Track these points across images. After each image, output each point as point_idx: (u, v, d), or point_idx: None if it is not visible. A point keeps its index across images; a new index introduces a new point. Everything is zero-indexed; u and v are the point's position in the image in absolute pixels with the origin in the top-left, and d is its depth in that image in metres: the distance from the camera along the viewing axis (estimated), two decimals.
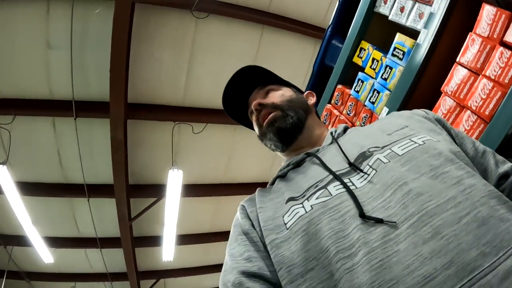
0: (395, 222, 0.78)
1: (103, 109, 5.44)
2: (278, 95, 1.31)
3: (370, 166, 0.94)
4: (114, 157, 5.83)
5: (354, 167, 0.97)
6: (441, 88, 1.61)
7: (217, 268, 10.21)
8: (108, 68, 4.81)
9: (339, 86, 2.27)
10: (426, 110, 1.18)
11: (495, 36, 1.42)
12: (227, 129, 6.86)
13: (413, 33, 1.82)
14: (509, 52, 1.35)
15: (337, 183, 0.94)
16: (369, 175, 0.92)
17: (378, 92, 1.96)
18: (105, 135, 5.69)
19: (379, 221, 0.80)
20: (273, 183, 1.20)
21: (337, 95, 2.27)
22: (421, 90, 1.77)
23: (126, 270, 8.58)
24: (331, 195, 0.91)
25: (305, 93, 1.46)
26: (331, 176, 0.98)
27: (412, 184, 0.83)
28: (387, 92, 1.91)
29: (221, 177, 7.74)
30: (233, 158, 7.34)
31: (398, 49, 1.86)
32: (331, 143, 1.15)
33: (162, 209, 7.02)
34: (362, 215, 0.82)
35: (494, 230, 0.72)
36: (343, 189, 0.91)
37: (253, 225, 1.05)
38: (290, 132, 1.24)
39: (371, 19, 2.13)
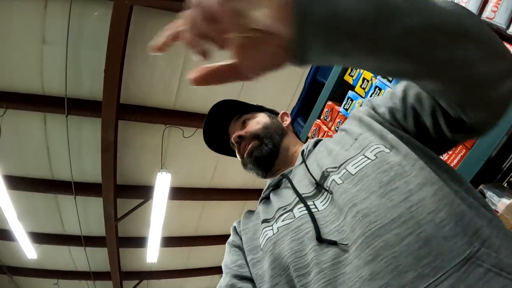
0: (346, 245, 0.83)
1: (95, 108, 5.46)
2: (254, 124, 1.39)
3: (327, 189, 0.98)
4: (103, 157, 5.83)
5: (320, 188, 1.01)
6: None
7: (200, 272, 10.25)
8: (102, 68, 4.84)
9: (329, 103, 2.31)
10: (367, 101, 1.18)
11: None
12: None
13: None
14: None
15: (301, 205, 0.99)
16: (328, 197, 0.96)
17: None
18: (95, 134, 5.72)
19: (333, 243, 0.85)
20: (260, 203, 1.27)
21: (327, 111, 2.31)
22: None
23: (109, 270, 8.55)
24: (295, 217, 0.97)
25: (280, 113, 1.53)
26: (297, 199, 1.03)
27: (361, 205, 0.85)
28: None
29: (208, 182, 7.76)
30: (221, 164, 7.35)
31: None
32: (300, 163, 1.19)
33: (148, 211, 7.03)
34: (319, 238, 0.87)
35: (436, 250, 0.73)
36: (306, 212, 0.96)
37: (241, 240, 1.16)
38: (267, 159, 1.32)
39: None
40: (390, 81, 1.88)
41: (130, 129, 6.13)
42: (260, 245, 1.03)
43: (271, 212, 1.10)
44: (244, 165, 1.39)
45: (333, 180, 0.97)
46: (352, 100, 2.13)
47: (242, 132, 1.37)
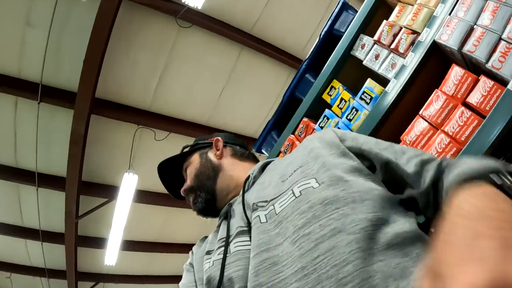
0: None
1: (69, 99, 5.36)
2: (189, 174, 1.43)
3: (252, 222, 0.99)
4: (71, 150, 5.72)
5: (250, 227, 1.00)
6: (401, 137, 1.67)
7: (159, 279, 10.07)
8: (82, 58, 4.78)
9: (305, 119, 2.32)
10: (338, 131, 1.14)
11: (459, 96, 1.51)
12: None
13: (383, 81, 1.88)
14: (469, 113, 1.43)
15: (238, 239, 1.01)
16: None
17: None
18: (66, 126, 5.59)
19: None
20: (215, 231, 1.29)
21: (302, 127, 2.31)
22: (381, 136, 1.80)
23: (65, 269, 8.30)
24: (230, 253, 1.00)
25: (213, 140, 1.51)
26: (236, 231, 1.05)
27: (273, 251, 0.85)
28: None
29: None
30: None
31: (367, 93, 1.93)
32: (242, 193, 1.18)
33: (111, 211, 6.91)
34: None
35: None
36: (241, 247, 0.98)
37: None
38: (206, 209, 1.35)
39: (347, 61, 2.21)
40: (367, 104, 1.92)
41: (102, 124, 6.04)
42: (203, 278, 1.06)
43: (214, 243, 1.13)
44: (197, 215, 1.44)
45: (258, 216, 0.98)
46: (328, 118, 2.15)
47: (184, 188, 1.42)
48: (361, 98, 1.95)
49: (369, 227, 0.79)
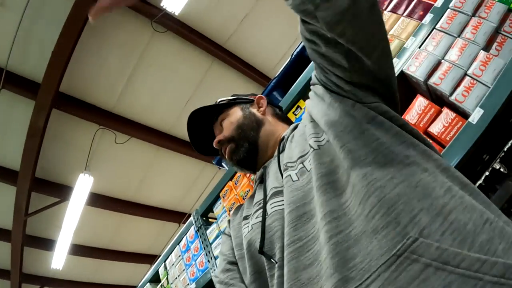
0: (276, 262, 0.89)
1: (32, 89, 5.19)
2: (228, 125, 1.38)
3: (284, 182, 1.00)
4: (27, 143, 5.55)
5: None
6: None
7: (107, 287, 9.76)
8: (51, 49, 4.66)
9: None
10: (315, 90, 1.17)
11: (421, 125, 1.56)
12: (150, 148, 6.81)
13: None
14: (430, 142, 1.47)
15: (274, 199, 1.02)
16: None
17: None
18: (25, 117, 5.39)
19: (268, 258, 0.93)
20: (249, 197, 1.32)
21: None
22: None
23: (9, 268, 8.00)
24: (268, 213, 1.01)
25: (256, 98, 1.50)
26: (271, 192, 1.06)
27: (308, 206, 0.87)
28: None
29: (131, 195, 7.58)
30: (148, 179, 7.22)
31: None
32: (275, 155, 1.20)
33: (62, 213, 6.70)
34: (261, 251, 0.94)
35: (364, 250, 0.70)
36: (278, 207, 0.99)
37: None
38: (247, 160, 1.31)
39: None
40: None
41: (62, 120, 5.86)
42: (241, 242, 1.10)
43: (251, 208, 1.15)
44: (232, 166, 1.40)
45: (289, 175, 0.99)
46: None
47: (219, 137, 1.37)
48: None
49: (379, 156, 0.81)
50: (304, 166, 0.97)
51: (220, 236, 2.32)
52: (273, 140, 1.34)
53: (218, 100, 1.51)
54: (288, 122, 1.50)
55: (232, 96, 1.54)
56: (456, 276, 0.58)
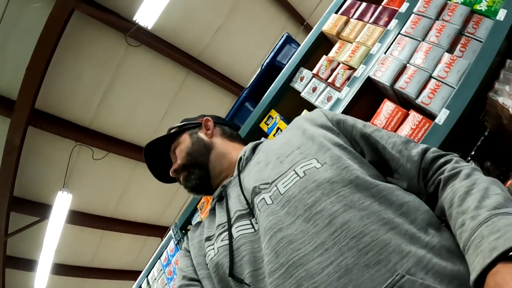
0: (249, 286, 0.89)
1: (7, 106, 5.11)
2: (179, 153, 1.42)
3: (257, 206, 0.99)
4: (4, 161, 5.46)
5: (250, 209, 1.04)
6: None
7: None
8: (25, 65, 4.62)
9: None
10: (327, 113, 1.20)
11: (389, 129, 1.58)
12: (128, 163, 6.77)
13: None
14: None
15: (239, 223, 1.03)
16: (256, 221, 0.99)
17: None
18: (0, 135, 5.30)
19: (240, 281, 0.92)
20: (209, 214, 1.31)
21: None
22: None
23: None
24: (233, 237, 1.00)
25: (203, 121, 1.52)
26: (236, 215, 1.06)
27: (286, 230, 0.87)
28: None
29: (111, 211, 7.49)
30: (127, 194, 7.15)
31: None
32: (236, 175, 1.22)
33: (42, 232, 6.54)
34: (231, 274, 0.94)
35: (355, 281, 0.73)
36: (244, 231, 0.99)
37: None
38: (200, 186, 1.36)
39: (285, 92, 2.27)
40: None
41: (39, 138, 5.77)
42: (207, 264, 1.07)
43: (213, 228, 1.14)
44: (188, 192, 1.44)
45: (263, 198, 0.99)
46: None
47: (174, 166, 1.41)
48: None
49: (374, 203, 0.86)
50: (278, 189, 0.97)
51: None
52: (225, 162, 1.36)
53: (169, 128, 1.55)
54: (239, 139, 1.54)
55: (181, 121, 1.57)
56: None
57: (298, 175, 0.97)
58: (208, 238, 1.13)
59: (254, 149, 1.29)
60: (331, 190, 0.89)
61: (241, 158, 1.26)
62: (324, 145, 1.04)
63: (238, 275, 0.93)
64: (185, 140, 1.44)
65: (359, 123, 1.13)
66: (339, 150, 1.02)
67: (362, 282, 0.72)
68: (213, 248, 1.05)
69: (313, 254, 0.79)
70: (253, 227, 0.99)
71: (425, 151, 1.00)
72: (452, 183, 0.89)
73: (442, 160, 0.97)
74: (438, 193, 0.93)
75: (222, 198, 1.24)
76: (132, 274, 8.91)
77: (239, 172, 1.19)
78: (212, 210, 1.26)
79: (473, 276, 0.68)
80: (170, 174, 1.41)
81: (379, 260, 0.74)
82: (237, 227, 1.02)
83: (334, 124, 1.14)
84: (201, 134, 1.46)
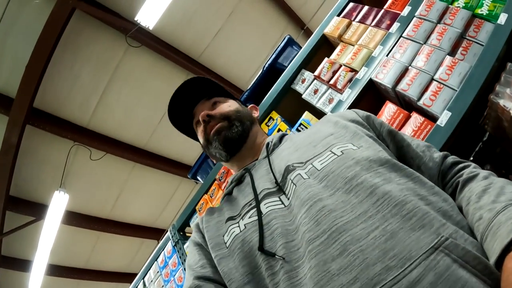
0: (283, 258, 0.86)
1: (5, 104, 5.11)
2: (225, 106, 1.36)
3: (292, 181, 0.99)
4: (1, 160, 5.43)
5: (284, 182, 1.03)
6: None
7: None
8: (25, 64, 4.60)
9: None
10: (357, 111, 1.23)
11: None
12: (125, 164, 6.76)
13: (320, 114, 1.94)
14: None
15: (268, 200, 1.02)
16: (289, 196, 0.98)
17: None
18: None
19: (272, 255, 0.89)
20: (223, 199, 1.28)
21: None
22: None
23: None
24: (262, 213, 0.99)
25: (249, 107, 1.52)
26: (263, 193, 1.05)
27: (327, 201, 0.87)
28: None
29: (108, 212, 7.46)
30: (124, 196, 7.13)
31: (303, 125, 2.00)
32: (264, 157, 1.21)
33: (38, 232, 6.52)
34: (261, 248, 0.92)
35: (402, 242, 0.74)
36: (274, 206, 0.99)
37: (204, 238, 1.15)
38: (236, 141, 1.29)
39: (287, 94, 2.29)
40: None
41: (36, 137, 5.74)
42: (226, 242, 1.04)
43: (236, 209, 1.12)
44: (208, 144, 1.33)
45: (299, 174, 0.99)
46: None
47: (212, 112, 1.33)
48: (297, 130, 2.01)
49: (409, 181, 0.90)
50: (314, 166, 0.99)
51: None
52: (258, 141, 1.34)
53: (209, 79, 1.48)
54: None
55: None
56: (471, 275, 0.69)
57: (335, 154, 0.99)
58: (231, 218, 1.10)
59: (281, 138, 1.30)
60: (369, 167, 0.92)
61: (268, 143, 1.26)
62: (358, 133, 1.08)
63: (270, 248, 0.91)
64: (234, 104, 1.40)
65: (385, 122, 1.18)
66: (371, 139, 1.06)
67: (409, 244, 0.73)
68: (238, 226, 1.04)
69: (356, 221, 0.80)
70: (282, 203, 0.98)
71: (446, 156, 1.06)
72: (469, 184, 0.93)
73: (461, 165, 1.02)
74: (456, 194, 0.96)
75: (241, 182, 1.23)
76: (127, 277, 8.87)
77: (268, 154, 1.20)
78: (228, 196, 1.25)
79: (492, 259, 0.71)
80: (200, 117, 1.32)
81: (423, 225, 0.76)
82: (266, 203, 1.01)
83: (364, 120, 1.18)
84: (249, 111, 1.45)
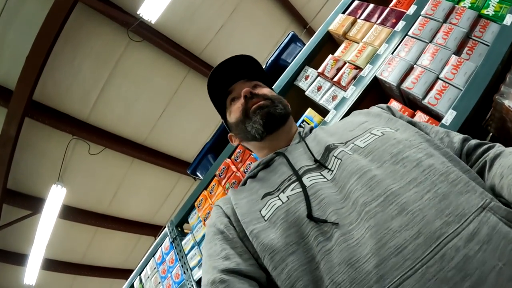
0: (337, 224, 0.88)
1: (4, 96, 5.09)
2: (267, 91, 1.38)
3: (336, 157, 1.03)
4: None
5: (320, 164, 1.06)
6: None
7: None
8: (25, 55, 4.57)
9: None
10: (380, 105, 1.31)
11: None
12: (124, 159, 6.75)
13: (323, 111, 1.96)
14: None
15: (309, 175, 1.04)
16: (333, 169, 1.01)
17: None
18: None
19: (323, 221, 0.90)
20: (244, 183, 1.30)
21: (239, 151, 2.31)
22: None
23: None
24: (307, 186, 1.00)
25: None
26: (302, 170, 1.07)
27: (376, 171, 0.92)
28: None
29: (105, 208, 7.45)
30: (122, 191, 7.13)
31: (306, 122, 1.98)
32: (298, 142, 1.24)
33: (34, 226, 6.49)
34: (309, 215, 0.92)
35: (455, 202, 0.81)
36: (317, 180, 1.00)
37: (230, 222, 1.12)
38: (277, 120, 1.30)
39: (289, 90, 2.28)
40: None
41: (35, 129, 5.72)
42: (264, 216, 1.03)
43: (272, 185, 1.12)
44: (246, 119, 1.31)
45: (343, 150, 1.04)
46: None
47: (255, 91, 1.34)
48: (300, 126, 1.96)
49: (446, 159, 0.95)
50: (356, 145, 1.04)
51: (195, 247, 2.28)
52: (293, 129, 1.37)
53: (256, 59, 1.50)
54: None
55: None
56: None
57: (375, 135, 1.04)
58: (269, 194, 1.09)
59: (311, 130, 1.34)
60: (411, 145, 0.98)
61: (300, 132, 1.30)
62: (391, 118, 1.15)
63: (319, 216, 0.92)
64: (273, 92, 1.42)
65: (403, 114, 1.24)
66: (406, 122, 1.14)
67: (461, 204, 0.80)
68: (279, 198, 1.03)
69: (408, 186, 0.86)
70: (324, 177, 1.01)
71: (465, 139, 1.09)
72: (498, 161, 0.97)
73: (485, 146, 1.05)
74: (485, 174, 1.00)
75: (268, 165, 1.25)
76: (124, 273, 8.87)
77: (302, 138, 1.24)
78: (251, 179, 1.26)
79: None
80: (243, 92, 1.32)
81: (468, 190, 0.84)
82: (308, 177, 1.03)
83: (388, 111, 1.25)
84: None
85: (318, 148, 1.12)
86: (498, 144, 1.04)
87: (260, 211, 1.05)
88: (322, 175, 1.02)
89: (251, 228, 1.02)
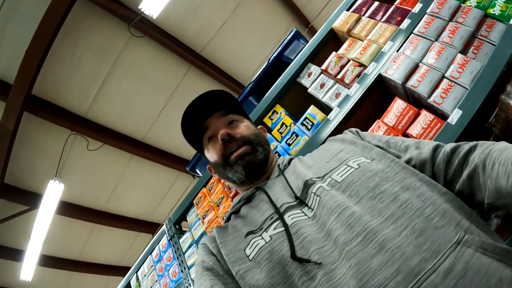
0: (320, 263, 0.88)
1: (3, 90, 5.06)
2: (244, 128, 1.35)
3: (314, 193, 1.03)
4: None
5: (300, 200, 1.05)
6: None
7: None
8: (25, 49, 4.55)
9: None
10: (351, 129, 1.32)
11: (399, 127, 1.59)
12: (123, 156, 6.73)
13: (326, 109, 1.95)
14: None
15: (291, 212, 1.03)
16: (316, 202, 1.01)
17: (279, 155, 2.03)
18: None
19: (306, 261, 0.90)
20: (228, 219, 1.28)
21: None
22: None
23: None
24: (289, 225, 1.00)
25: (258, 127, 1.50)
26: (284, 207, 1.06)
27: (354, 207, 0.92)
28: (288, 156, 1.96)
29: (103, 204, 7.44)
30: (120, 188, 7.11)
31: (309, 119, 1.98)
32: (278, 175, 1.25)
33: (31, 221, 6.48)
34: (293, 256, 0.92)
35: (431, 238, 0.82)
36: (299, 218, 1.00)
37: (217, 259, 1.11)
38: (258, 167, 1.30)
39: (292, 87, 2.26)
40: (308, 130, 1.98)
41: (33, 124, 5.69)
42: (248, 256, 1.02)
43: (254, 224, 1.11)
44: (226, 166, 1.30)
45: (320, 186, 1.03)
46: None
47: (232, 132, 1.31)
48: (302, 124, 1.99)
49: (423, 185, 0.96)
50: (333, 179, 1.04)
51: (193, 245, 2.26)
52: (272, 165, 1.36)
53: (226, 92, 1.45)
54: None
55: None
56: (492, 259, 0.78)
57: (352, 167, 1.05)
58: (252, 232, 1.09)
59: (289, 161, 1.32)
60: (387, 177, 0.98)
61: (279, 164, 1.30)
62: (367, 146, 1.14)
63: (302, 255, 0.92)
64: (250, 125, 1.39)
65: (375, 139, 1.23)
66: (381, 150, 1.12)
67: (437, 239, 0.82)
68: (262, 238, 1.03)
69: (386, 223, 0.87)
70: (305, 215, 1.00)
71: (436, 147, 1.08)
72: (492, 158, 0.94)
73: (466, 147, 1.03)
74: (479, 178, 0.97)
75: (250, 200, 1.25)
76: (120, 270, 8.86)
77: (282, 172, 1.23)
78: (235, 215, 1.25)
79: None
80: (220, 135, 1.28)
81: (443, 224, 0.85)
82: (290, 215, 1.03)
83: (356, 135, 1.26)
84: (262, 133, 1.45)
85: (297, 183, 1.12)
86: (480, 142, 1.02)
87: (244, 250, 1.05)
88: (303, 212, 1.02)
89: (237, 269, 1.02)
